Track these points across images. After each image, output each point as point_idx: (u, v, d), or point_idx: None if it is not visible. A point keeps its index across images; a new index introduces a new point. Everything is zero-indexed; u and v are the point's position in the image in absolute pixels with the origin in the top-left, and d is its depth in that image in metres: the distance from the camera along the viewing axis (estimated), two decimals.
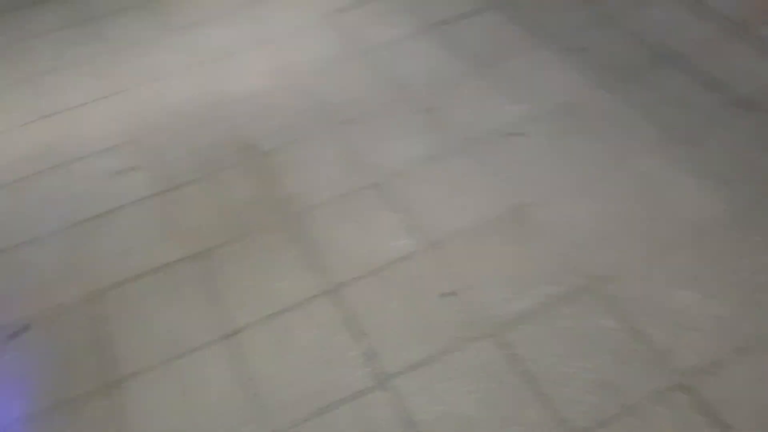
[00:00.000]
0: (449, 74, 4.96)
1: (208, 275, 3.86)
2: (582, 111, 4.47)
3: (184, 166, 4.55)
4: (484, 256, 3.75)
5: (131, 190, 4.39)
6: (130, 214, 4.25)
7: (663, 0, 5.23)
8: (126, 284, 3.85)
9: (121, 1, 6.33)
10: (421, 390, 3.23)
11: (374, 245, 3.89)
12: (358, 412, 3.18)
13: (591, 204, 3.88)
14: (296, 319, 3.61)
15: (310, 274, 3.80)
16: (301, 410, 3.21)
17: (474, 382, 3.24)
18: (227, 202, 4.27)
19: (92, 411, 3.29)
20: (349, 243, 3.92)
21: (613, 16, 5.20)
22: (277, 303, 3.69)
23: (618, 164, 4.07)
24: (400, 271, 3.74)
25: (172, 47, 5.63)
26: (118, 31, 5.94)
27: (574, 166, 4.12)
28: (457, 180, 4.20)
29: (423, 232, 3.93)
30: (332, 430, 3.12)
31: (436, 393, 3.21)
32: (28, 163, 4.62)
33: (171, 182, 4.44)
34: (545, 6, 5.44)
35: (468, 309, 3.53)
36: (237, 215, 4.20)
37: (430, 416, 3.12)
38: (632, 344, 3.20)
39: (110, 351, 3.54)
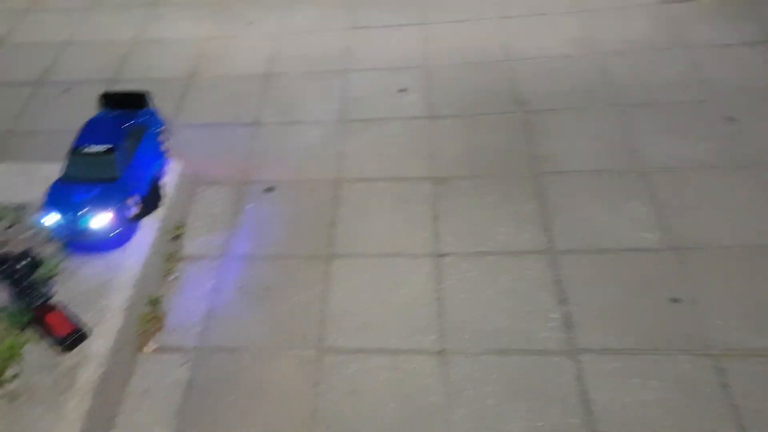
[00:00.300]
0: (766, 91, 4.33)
1: (439, 198, 3.99)
2: None
3: (456, 102, 4.72)
4: (733, 278, 3.26)
5: (405, 108, 4.70)
6: (398, 125, 4.56)
7: None
8: (365, 181, 4.16)
9: None
10: (608, 375, 2.96)
11: (612, 227, 3.62)
12: (537, 367, 3.05)
13: None
14: (506, 264, 3.55)
15: (535, 230, 3.70)
16: (481, 343, 3.19)
17: (670, 392, 2.87)
18: (482, 143, 4.34)
19: (303, 271, 3.67)
20: (586, 217, 3.71)
21: None
22: (491, 244, 3.67)
23: None
24: (633, 261, 3.44)
25: None
26: None
27: None
28: (732, 195, 3.69)
29: (672, 233, 3.54)
30: (504, 372, 3.05)
31: (624, 384, 2.92)
32: (327, 61, 5.22)
33: (440, 111, 4.65)
34: None
35: (693, 322, 3.11)
36: (487, 157, 4.24)
37: (607, 402, 2.87)
38: None
39: (333, 229, 3.88)
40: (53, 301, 2.97)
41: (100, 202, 3.31)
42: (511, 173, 4.09)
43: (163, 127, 3.95)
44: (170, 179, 3.95)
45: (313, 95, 4.90)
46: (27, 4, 6.22)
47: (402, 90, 4.91)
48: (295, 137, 4.56)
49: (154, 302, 3.49)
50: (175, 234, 3.84)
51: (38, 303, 2.83)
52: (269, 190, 4.18)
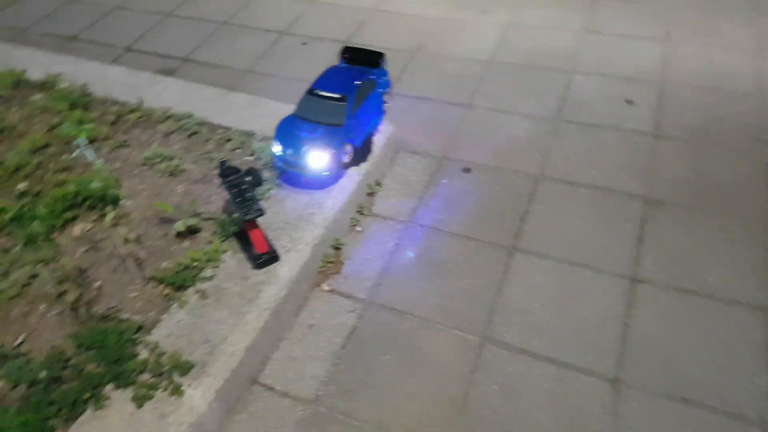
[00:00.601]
0: None
1: (648, 220, 3.65)
2: None
3: (687, 125, 4.29)
4: None
5: (628, 120, 4.39)
6: (616, 136, 4.27)
7: None
8: (567, 184, 3.95)
9: None
10: None
11: None
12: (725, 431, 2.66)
13: None
14: (711, 309, 3.14)
15: (755, 282, 3.24)
16: (665, 384, 2.86)
17: None
18: (710, 174, 3.90)
19: (483, 256, 3.57)
20: None
21: None
22: (699, 284, 3.28)
23: None
24: None
25: (747, 21, 5.21)
26: None
27: None
28: None
29: None
30: (684, 423, 2.71)
31: None
32: (553, 58, 5.03)
33: (667, 131, 4.26)
34: None
35: None
36: (713, 190, 3.80)
37: None
38: None
39: (523, 223, 3.73)
40: (259, 220, 3.21)
41: (323, 142, 3.52)
42: (738, 214, 3.61)
43: (388, 89, 4.09)
44: (379, 139, 4.08)
45: (531, 89, 4.76)
46: None
47: (628, 101, 4.58)
48: (504, 126, 4.46)
49: (337, 247, 3.64)
50: (370, 190, 3.97)
51: (250, 217, 3.07)
52: (466, 170, 4.15)
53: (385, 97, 4.07)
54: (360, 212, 3.86)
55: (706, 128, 4.27)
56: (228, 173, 3.15)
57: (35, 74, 4.76)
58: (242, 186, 3.10)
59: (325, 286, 3.47)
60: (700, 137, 4.21)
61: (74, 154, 3.89)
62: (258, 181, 3.27)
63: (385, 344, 3.18)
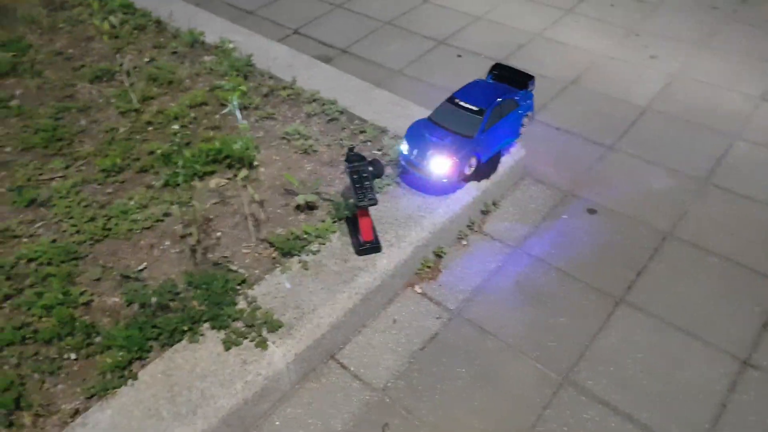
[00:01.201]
0: None
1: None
2: None
3: None
4: None
5: None
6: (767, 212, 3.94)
7: None
8: (697, 248, 3.69)
9: None
10: None
11: None
12: None
13: None
14: None
15: None
16: None
17: None
18: None
19: (586, 300, 3.44)
20: None
21: None
22: None
23: None
24: None
25: None
26: None
27: None
28: None
29: None
30: None
31: None
32: (716, 118, 4.69)
33: None
34: None
35: None
36: None
37: None
38: None
39: (638, 277, 3.55)
40: (371, 211, 3.35)
41: (449, 149, 3.58)
42: None
43: (529, 113, 4.05)
44: (507, 160, 4.06)
45: (684, 145, 4.49)
46: None
47: None
48: (644, 175, 4.25)
49: (439, 254, 3.68)
50: (485, 208, 3.96)
51: (363, 204, 3.21)
52: (591, 211, 4.00)
53: (524, 120, 4.04)
54: (470, 227, 3.87)
55: None
56: (353, 159, 3.32)
57: (210, 38, 5.28)
58: (363, 174, 3.25)
59: (417, 288, 3.53)
60: None
61: (225, 110, 4.28)
62: (379, 173, 3.40)
63: (463, 357, 3.18)
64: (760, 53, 5.48)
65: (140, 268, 3.31)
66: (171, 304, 3.09)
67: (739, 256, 3.64)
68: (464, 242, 3.81)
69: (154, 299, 3.06)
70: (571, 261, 3.67)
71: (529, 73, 4.09)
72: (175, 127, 4.18)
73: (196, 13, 5.84)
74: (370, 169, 3.31)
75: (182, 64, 4.96)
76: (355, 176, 3.25)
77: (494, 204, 4.02)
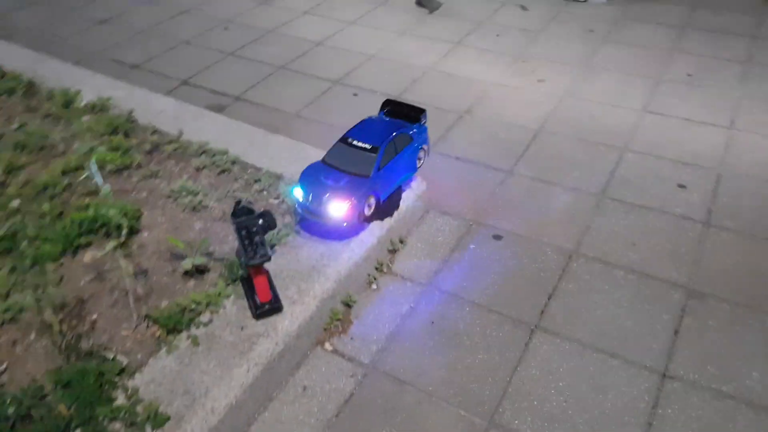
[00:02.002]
0: None
1: (688, 313, 3.34)
2: None
3: (743, 217, 3.98)
4: None
5: (678, 205, 4.11)
6: (663, 220, 4.00)
7: None
8: (603, 263, 3.68)
9: None
10: None
11: None
12: None
13: None
14: (749, 416, 2.81)
15: None
16: None
17: None
18: (759, 268, 3.59)
19: (502, 332, 3.33)
20: None
21: None
22: (736, 387, 2.95)
23: None
24: None
25: None
26: None
27: None
28: None
29: None
30: None
31: None
32: (606, 134, 4.82)
33: (719, 221, 3.96)
34: None
35: None
36: (763, 285, 3.47)
37: None
38: None
39: (551, 301, 3.48)
40: (266, 266, 3.09)
41: (345, 191, 3.40)
42: None
43: (425, 146, 3.96)
44: (409, 195, 3.94)
45: (578, 162, 4.55)
46: (353, 18, 6.97)
47: (681, 186, 4.29)
48: (544, 196, 4.25)
49: (348, 303, 3.46)
50: (392, 247, 3.81)
51: (253, 263, 2.95)
52: (497, 237, 3.93)
53: (420, 154, 3.95)
54: (378, 269, 3.69)
55: (762, 222, 3.93)
56: (240, 213, 3.06)
57: (89, 96, 4.91)
58: (252, 228, 2.99)
59: (328, 346, 3.28)
60: (755, 230, 3.88)
61: (83, 176, 3.92)
62: (271, 225, 3.15)
63: (382, 416, 2.94)
64: (637, 69, 5.76)
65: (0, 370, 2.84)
66: (33, 412, 2.61)
67: (642, 266, 3.66)
68: (374, 286, 3.62)
69: (11, 410, 2.58)
70: (483, 292, 3.55)
71: (420, 106, 4.02)
72: (14, 204, 3.72)
73: (73, 72, 5.47)
74: (260, 222, 3.06)
75: (56, 128, 4.56)
76: (243, 232, 2.99)
77: (401, 241, 3.88)
